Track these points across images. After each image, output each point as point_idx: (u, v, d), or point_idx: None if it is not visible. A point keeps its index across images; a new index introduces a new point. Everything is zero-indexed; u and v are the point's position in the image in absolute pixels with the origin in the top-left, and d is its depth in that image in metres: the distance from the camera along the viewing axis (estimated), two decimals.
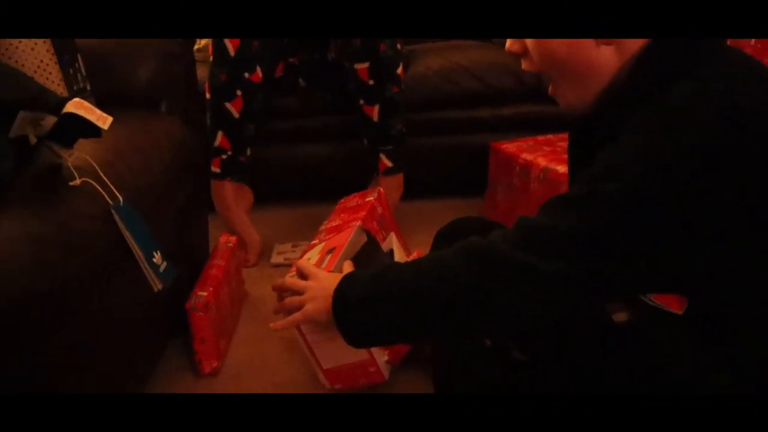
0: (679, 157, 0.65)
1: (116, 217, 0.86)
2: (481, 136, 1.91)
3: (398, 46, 1.64)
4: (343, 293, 0.86)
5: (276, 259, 1.71)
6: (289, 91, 1.87)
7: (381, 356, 1.13)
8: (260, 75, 1.64)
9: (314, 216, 1.90)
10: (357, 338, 0.87)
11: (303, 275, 1.01)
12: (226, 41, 1.59)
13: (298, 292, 0.97)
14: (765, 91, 0.69)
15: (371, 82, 1.62)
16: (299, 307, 0.95)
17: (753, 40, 1.71)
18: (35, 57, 1.04)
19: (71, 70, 1.09)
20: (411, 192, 1.82)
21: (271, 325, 1.01)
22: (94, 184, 0.85)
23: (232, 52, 1.59)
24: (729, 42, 0.76)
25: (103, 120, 0.82)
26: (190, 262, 1.36)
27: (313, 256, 1.19)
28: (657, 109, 0.69)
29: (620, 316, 0.84)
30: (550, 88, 0.83)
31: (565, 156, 1.66)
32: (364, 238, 1.22)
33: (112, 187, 0.87)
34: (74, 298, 0.77)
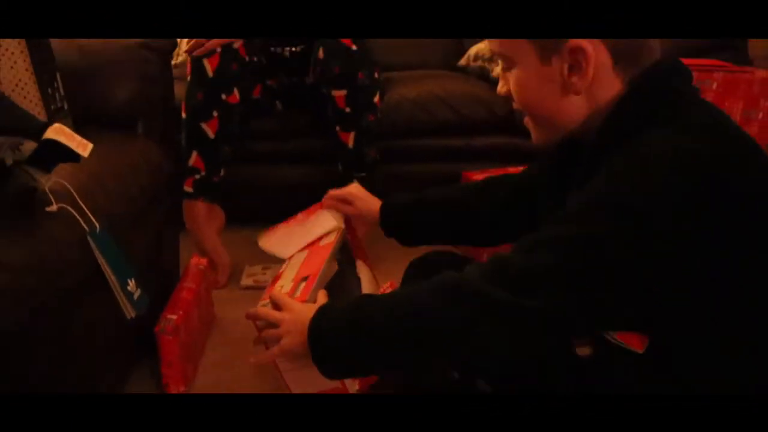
0: (647, 204, 0.68)
1: (92, 245, 0.85)
2: (453, 165, 1.93)
3: (375, 74, 1.67)
4: (319, 327, 0.87)
5: (246, 281, 1.71)
6: (266, 114, 1.88)
7: (352, 386, 1.13)
8: (237, 96, 1.65)
9: None
10: (332, 371, 0.88)
11: (277, 306, 1.02)
12: (205, 61, 1.59)
13: (273, 324, 0.98)
14: (726, 143, 0.73)
15: (348, 110, 1.64)
16: (275, 340, 0.95)
17: (715, 84, 1.78)
18: (14, 75, 1.03)
19: (50, 90, 1.08)
20: None
21: (251, 360, 1.02)
22: (71, 210, 0.85)
23: (210, 73, 1.60)
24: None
25: (83, 147, 0.82)
26: (160, 283, 1.35)
27: (285, 284, 1.19)
28: (627, 157, 0.72)
29: (584, 350, 0.87)
30: (525, 119, 0.87)
31: None
32: (336, 267, 1.23)
33: (89, 214, 0.87)
34: (47, 326, 0.77)
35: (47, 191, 0.83)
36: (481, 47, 2.15)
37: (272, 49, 1.78)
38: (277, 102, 1.88)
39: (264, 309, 1.03)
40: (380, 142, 1.74)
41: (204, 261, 1.51)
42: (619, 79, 0.77)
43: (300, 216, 1.37)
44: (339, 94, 1.62)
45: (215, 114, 1.62)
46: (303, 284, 1.14)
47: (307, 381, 1.11)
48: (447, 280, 0.79)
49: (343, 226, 1.34)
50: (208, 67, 1.59)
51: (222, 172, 1.70)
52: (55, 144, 0.80)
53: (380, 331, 0.81)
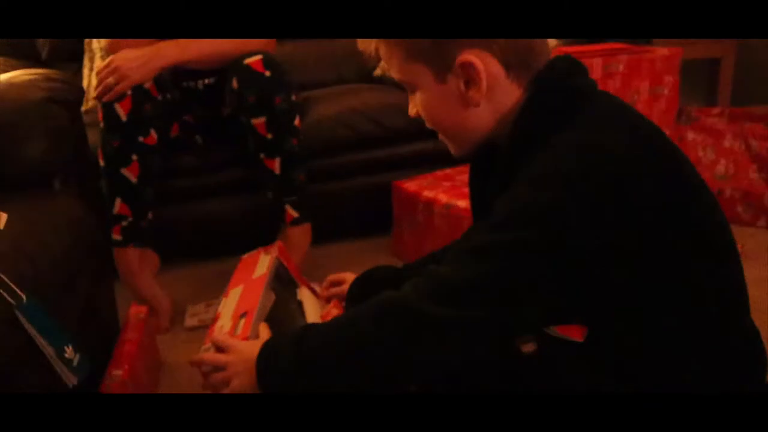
0: (564, 207, 0.72)
1: (21, 318, 0.83)
2: (382, 175, 1.96)
3: (293, 97, 1.67)
4: (266, 365, 0.87)
5: (190, 321, 1.68)
6: (186, 149, 1.85)
7: None
8: (155, 137, 1.62)
9: (223, 272, 1.86)
10: None
11: (220, 348, 1.01)
12: (117, 105, 1.55)
13: (219, 368, 0.97)
14: (630, 133, 0.77)
15: (269, 136, 1.63)
16: (224, 384, 0.95)
17: (621, 66, 1.86)
18: None
19: None
20: (320, 238, 1.84)
21: None
22: None
23: (123, 117, 1.56)
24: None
25: None
26: (101, 338, 1.31)
27: (225, 323, 1.17)
28: (541, 161, 0.75)
29: (528, 347, 0.90)
30: (438, 135, 0.91)
31: (465, 190, 1.75)
32: (273, 297, 1.23)
33: (13, 287, 0.84)
34: None
35: None
36: None
37: (184, 84, 1.76)
38: (197, 136, 1.86)
39: (208, 354, 1.02)
40: (306, 163, 1.74)
41: (144, 309, 1.47)
42: (515, 85, 0.81)
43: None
44: (258, 121, 1.62)
45: (134, 158, 1.58)
46: (243, 321, 1.13)
47: None
48: (387, 300, 0.81)
49: (275, 254, 1.34)
50: (121, 111, 1.56)
51: (149, 215, 1.67)
52: None
53: (326, 364, 0.82)
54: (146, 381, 1.34)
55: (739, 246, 0.83)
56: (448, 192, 1.71)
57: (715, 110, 2.12)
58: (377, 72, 2.31)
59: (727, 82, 2.73)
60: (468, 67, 0.79)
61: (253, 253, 1.42)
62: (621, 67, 1.84)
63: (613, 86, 1.83)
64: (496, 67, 0.79)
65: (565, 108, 0.79)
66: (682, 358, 0.78)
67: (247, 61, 1.59)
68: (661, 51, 1.93)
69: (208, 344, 1.07)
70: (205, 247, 2.00)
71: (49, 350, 0.85)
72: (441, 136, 0.90)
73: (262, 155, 1.66)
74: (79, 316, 1.11)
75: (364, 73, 2.36)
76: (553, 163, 0.75)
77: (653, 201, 0.73)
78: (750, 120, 2.04)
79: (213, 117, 1.80)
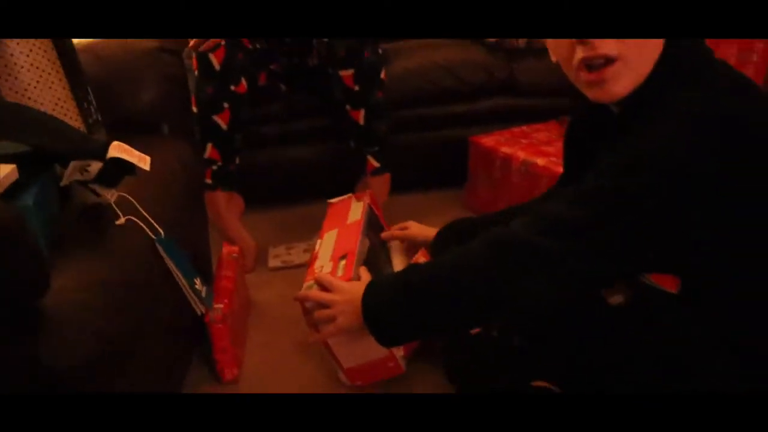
0: (680, 159, 0.75)
1: (160, 250, 0.91)
2: (459, 130, 1.99)
3: (379, 50, 1.71)
4: (373, 302, 0.94)
5: (273, 262, 1.77)
6: (272, 97, 1.91)
7: (398, 351, 1.21)
8: (245, 86, 1.68)
9: (305, 217, 1.97)
10: (391, 340, 0.95)
11: (324, 287, 1.08)
12: (211, 55, 1.62)
13: (324, 305, 1.05)
14: (750, 100, 0.81)
15: (356, 88, 1.68)
16: (329, 320, 1.03)
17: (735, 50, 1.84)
18: (53, 95, 1.07)
19: (85, 104, 1.13)
20: (396, 187, 1.90)
21: (310, 339, 1.09)
22: (137, 221, 0.90)
23: (217, 66, 1.63)
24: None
25: (143, 161, 0.88)
26: (201, 275, 1.41)
27: (325, 264, 1.25)
28: (667, 114, 0.79)
29: (616, 299, 0.95)
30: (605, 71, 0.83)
31: (542, 148, 1.77)
32: (367, 242, 1.30)
33: (153, 222, 0.92)
34: (133, 336, 0.83)
35: (114, 207, 0.88)
36: None
37: None
38: (282, 85, 1.92)
39: (315, 292, 1.10)
40: (389, 115, 1.79)
41: (236, 249, 1.56)
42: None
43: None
44: (347, 74, 1.66)
45: (226, 106, 1.65)
46: (343, 262, 1.21)
47: (357, 352, 1.19)
48: (497, 235, 0.86)
49: (368, 200, 1.41)
50: (215, 61, 1.62)
51: (237, 160, 1.75)
52: (119, 161, 0.85)
53: (435, 293, 0.87)
54: (241, 316, 1.44)
55: None
56: (525, 149, 1.74)
57: None
58: None
59: None
60: None
61: (344, 198, 1.49)
62: None
63: None
64: None
65: (690, 71, 0.81)
66: None
67: None
68: None
69: (311, 281, 1.15)
70: (285, 192, 2.08)
71: (183, 281, 0.94)
72: (610, 75, 0.82)
73: (347, 106, 1.72)
74: (194, 254, 1.21)
75: None
76: (675, 117, 0.78)
77: (761, 159, 0.76)
78: None
79: (299, 66, 1.85)
